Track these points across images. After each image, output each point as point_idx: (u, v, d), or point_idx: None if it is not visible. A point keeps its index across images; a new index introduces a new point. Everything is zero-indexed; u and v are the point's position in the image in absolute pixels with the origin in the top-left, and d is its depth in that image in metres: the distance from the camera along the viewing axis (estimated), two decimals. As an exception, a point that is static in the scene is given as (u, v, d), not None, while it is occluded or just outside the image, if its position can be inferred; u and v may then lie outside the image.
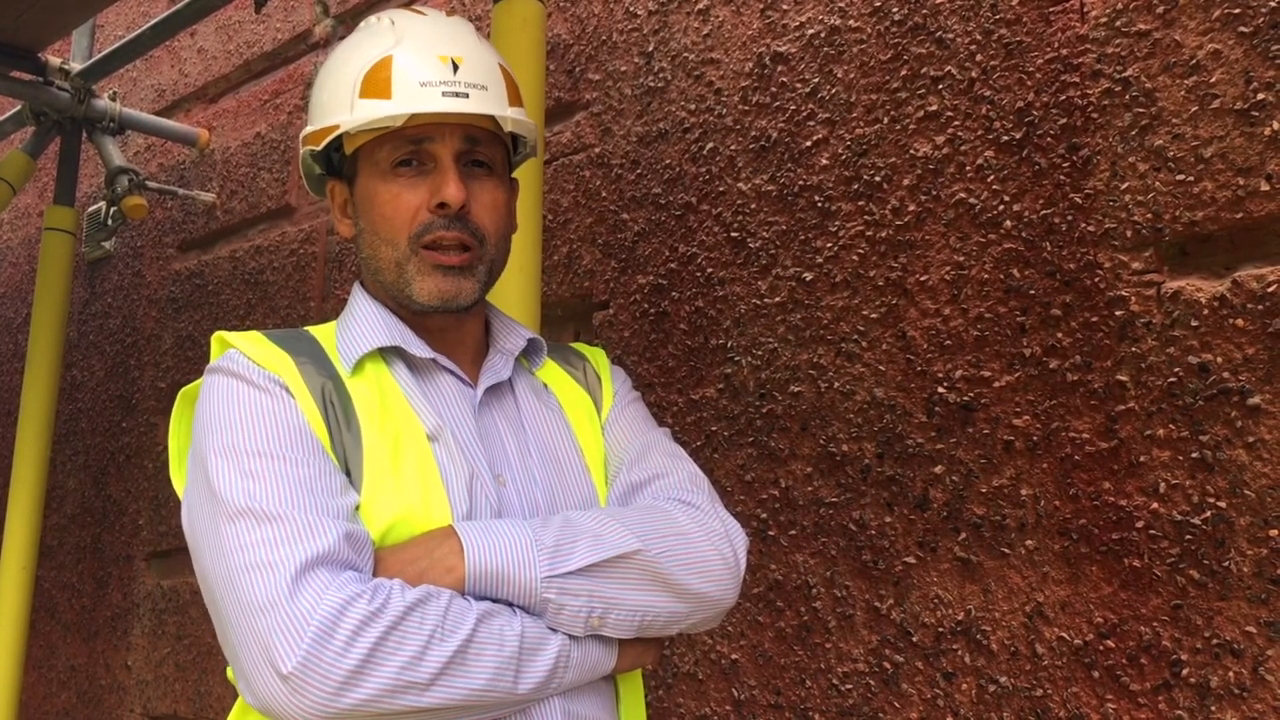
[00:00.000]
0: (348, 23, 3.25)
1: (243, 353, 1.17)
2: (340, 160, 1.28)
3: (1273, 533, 1.53)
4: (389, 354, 1.22)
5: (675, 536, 1.15)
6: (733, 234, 2.20)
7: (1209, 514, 1.58)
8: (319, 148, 1.26)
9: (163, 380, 3.60)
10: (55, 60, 3.33)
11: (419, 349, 1.22)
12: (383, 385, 1.19)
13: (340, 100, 1.22)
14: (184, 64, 3.85)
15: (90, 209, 4.06)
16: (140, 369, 3.72)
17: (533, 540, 1.08)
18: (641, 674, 1.25)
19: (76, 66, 3.33)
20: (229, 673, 1.16)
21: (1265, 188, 1.58)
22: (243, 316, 3.33)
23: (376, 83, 1.20)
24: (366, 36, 1.26)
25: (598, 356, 1.42)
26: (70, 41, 3.53)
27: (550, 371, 1.36)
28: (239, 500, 1.04)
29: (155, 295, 3.74)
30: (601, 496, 1.26)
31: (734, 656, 2.06)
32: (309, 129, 1.27)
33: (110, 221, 3.30)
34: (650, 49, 2.42)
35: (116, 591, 3.61)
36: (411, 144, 1.20)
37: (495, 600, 1.07)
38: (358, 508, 1.09)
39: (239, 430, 1.10)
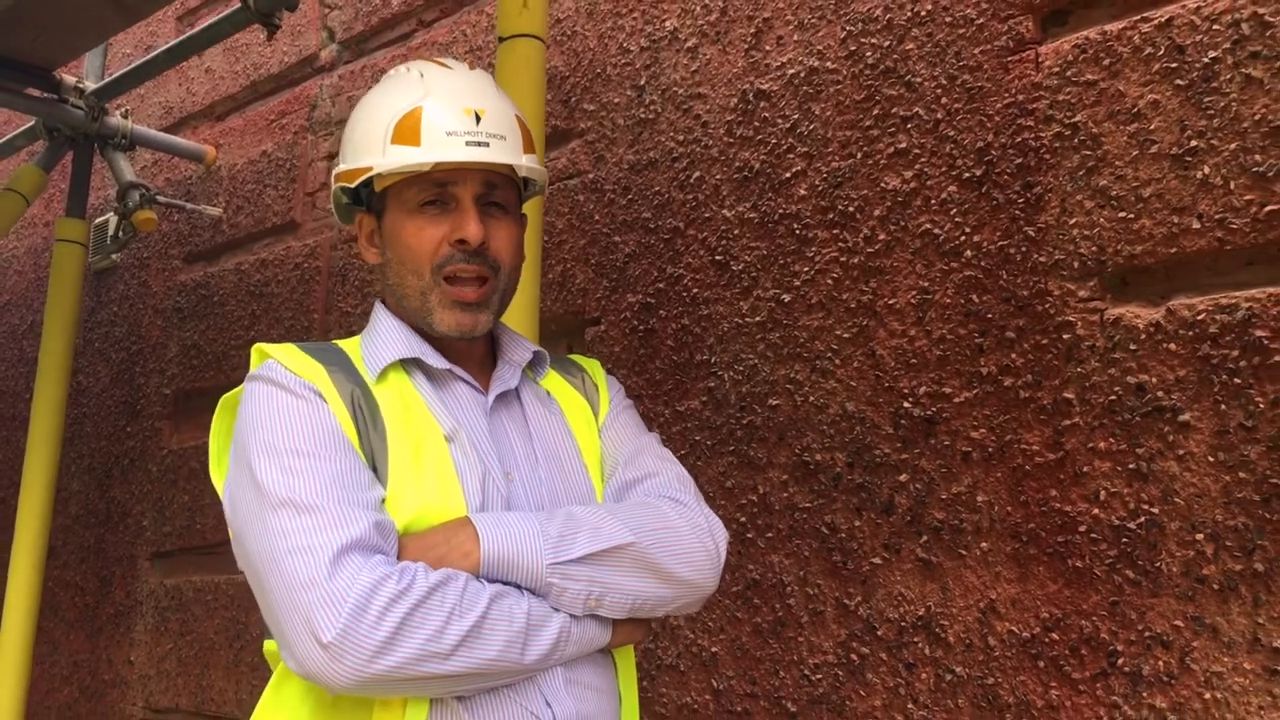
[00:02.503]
0: (353, 48, 3.41)
1: (280, 363, 1.31)
2: (369, 196, 1.42)
3: (1199, 536, 1.70)
4: (409, 365, 1.37)
5: (664, 530, 1.30)
6: (717, 257, 2.37)
7: (1143, 519, 1.75)
8: (352, 185, 1.40)
9: (168, 387, 3.74)
10: (70, 79, 3.47)
11: (436, 360, 1.37)
12: (404, 392, 1.34)
13: (373, 144, 1.37)
14: (191, 83, 3.99)
15: (97, 221, 4.20)
16: (145, 376, 3.86)
17: (539, 531, 1.23)
18: (633, 649, 1.40)
19: (91, 85, 3.48)
20: (266, 646, 1.31)
21: (1196, 226, 1.76)
22: (247, 327, 3.48)
23: (407, 131, 1.34)
24: (397, 86, 1.40)
25: (595, 368, 1.58)
26: (81, 59, 3.67)
27: (553, 381, 1.51)
28: (281, 493, 1.18)
29: (161, 305, 3.88)
30: (598, 493, 1.41)
31: (714, 649, 2.22)
32: (343, 168, 1.41)
33: (121, 234, 3.44)
34: (642, 82, 2.59)
35: (120, 590, 3.74)
36: (437, 186, 1.35)
37: (506, 583, 1.22)
38: (384, 500, 1.24)
39: (279, 431, 1.24)
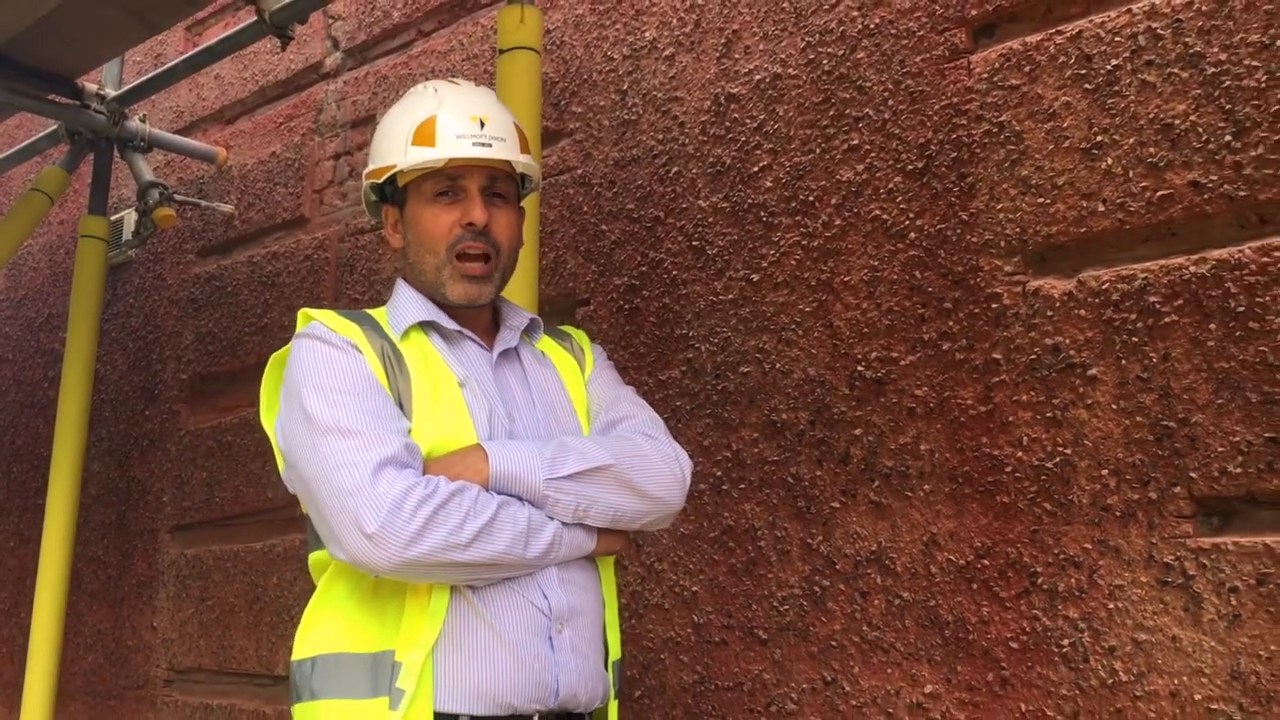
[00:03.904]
0: (356, 56, 3.68)
1: (323, 323, 1.60)
2: (393, 191, 1.71)
3: (1104, 472, 2.00)
4: (426, 327, 1.66)
5: (639, 457, 1.60)
6: (694, 243, 2.66)
7: (1058, 460, 2.05)
8: (379, 182, 1.69)
9: (184, 372, 4.00)
10: (91, 86, 3.73)
11: (448, 323, 1.67)
12: (424, 348, 1.63)
13: (396, 147, 1.66)
14: (201, 88, 4.26)
15: (112, 218, 4.44)
16: (162, 362, 4.12)
17: (537, 454, 1.52)
18: (614, 563, 1.69)
19: (112, 92, 3.73)
20: (311, 560, 1.59)
21: (1101, 209, 2.06)
22: (260, 314, 3.75)
23: (424, 135, 1.64)
24: (416, 100, 1.70)
25: (581, 336, 1.88)
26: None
27: (546, 344, 1.81)
28: (329, 422, 1.47)
29: (176, 296, 4.14)
30: (585, 432, 1.70)
31: (694, 588, 2.51)
32: (371, 167, 1.70)
33: (141, 231, 3.70)
34: (625, 87, 2.88)
35: (141, 562, 4.00)
36: (449, 179, 1.65)
37: (509, 495, 1.50)
38: (409, 430, 1.52)
39: (325, 376, 1.53)
